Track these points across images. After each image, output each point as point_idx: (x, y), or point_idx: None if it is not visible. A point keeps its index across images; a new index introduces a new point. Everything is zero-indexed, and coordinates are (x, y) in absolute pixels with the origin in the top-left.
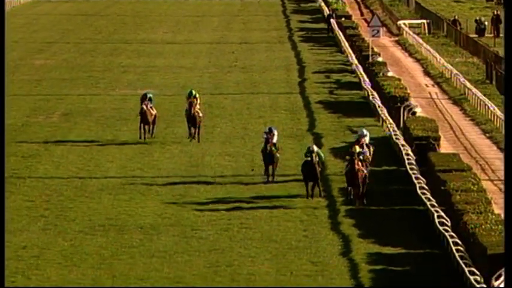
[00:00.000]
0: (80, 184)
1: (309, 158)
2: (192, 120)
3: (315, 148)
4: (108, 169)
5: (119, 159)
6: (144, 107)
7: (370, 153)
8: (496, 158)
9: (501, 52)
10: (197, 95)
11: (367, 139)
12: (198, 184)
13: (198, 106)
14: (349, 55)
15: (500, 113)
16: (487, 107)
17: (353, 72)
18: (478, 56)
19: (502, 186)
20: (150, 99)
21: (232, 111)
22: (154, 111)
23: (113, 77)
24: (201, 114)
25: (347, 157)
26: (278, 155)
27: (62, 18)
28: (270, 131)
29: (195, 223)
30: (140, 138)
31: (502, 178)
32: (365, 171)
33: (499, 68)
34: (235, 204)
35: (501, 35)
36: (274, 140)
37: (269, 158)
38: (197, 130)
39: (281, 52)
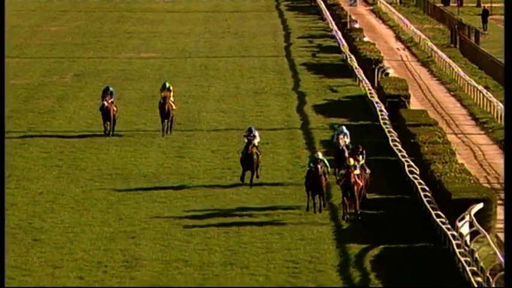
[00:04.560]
0: (90, 137)
1: (313, 168)
2: (165, 113)
3: (320, 155)
4: (116, 124)
5: (124, 115)
6: (106, 103)
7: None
8: (459, 113)
9: (464, 19)
10: (171, 87)
11: (347, 140)
12: (195, 137)
13: (171, 99)
14: (329, 22)
15: (463, 73)
16: (451, 68)
17: (333, 37)
18: (443, 23)
19: (465, 139)
20: (111, 93)
21: (226, 73)
22: (115, 108)
23: (120, 41)
24: (174, 107)
25: (334, 173)
26: (259, 155)
27: None
28: (250, 132)
29: (192, 172)
30: (105, 133)
31: (465, 132)
32: (361, 184)
33: (462, 33)
34: (228, 155)
35: (464, 4)
36: (256, 141)
37: (249, 162)
38: (170, 123)
39: (269, 20)
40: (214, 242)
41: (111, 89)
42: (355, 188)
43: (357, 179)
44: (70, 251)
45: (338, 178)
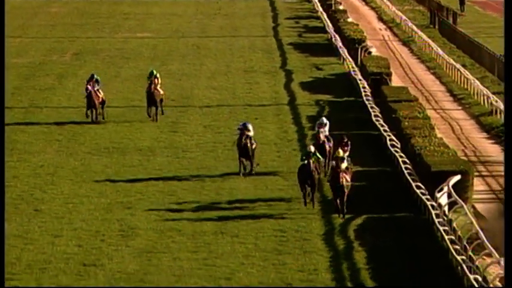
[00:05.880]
0: (88, 113)
1: (306, 162)
2: (152, 99)
3: (312, 148)
4: (112, 100)
5: (121, 91)
6: (89, 87)
7: (330, 146)
8: (438, 90)
9: (442, 1)
10: (158, 75)
11: (326, 129)
12: (188, 113)
13: (158, 86)
14: (315, 4)
15: (441, 52)
16: (430, 47)
17: (318, 18)
18: (423, 4)
19: (444, 114)
20: (97, 80)
21: (217, 52)
22: (101, 94)
23: (116, 22)
24: (161, 92)
25: (332, 164)
26: (254, 146)
27: None
28: (245, 127)
29: (185, 146)
30: (87, 117)
31: (444, 107)
32: (348, 180)
33: (441, 14)
34: (220, 130)
35: None
36: (251, 134)
37: (244, 151)
38: (157, 109)
39: (258, 1)
40: (206, 212)
41: (96, 76)
42: (344, 185)
43: (346, 177)
44: (69, 221)
45: (325, 171)
